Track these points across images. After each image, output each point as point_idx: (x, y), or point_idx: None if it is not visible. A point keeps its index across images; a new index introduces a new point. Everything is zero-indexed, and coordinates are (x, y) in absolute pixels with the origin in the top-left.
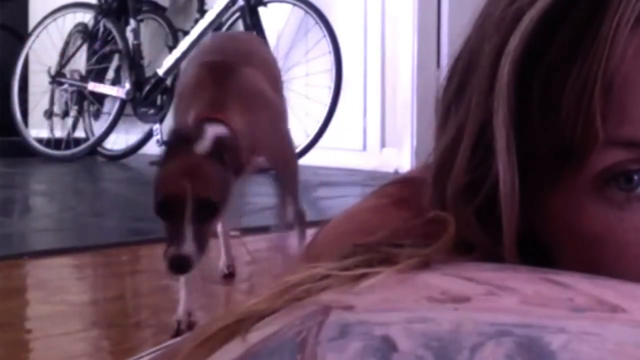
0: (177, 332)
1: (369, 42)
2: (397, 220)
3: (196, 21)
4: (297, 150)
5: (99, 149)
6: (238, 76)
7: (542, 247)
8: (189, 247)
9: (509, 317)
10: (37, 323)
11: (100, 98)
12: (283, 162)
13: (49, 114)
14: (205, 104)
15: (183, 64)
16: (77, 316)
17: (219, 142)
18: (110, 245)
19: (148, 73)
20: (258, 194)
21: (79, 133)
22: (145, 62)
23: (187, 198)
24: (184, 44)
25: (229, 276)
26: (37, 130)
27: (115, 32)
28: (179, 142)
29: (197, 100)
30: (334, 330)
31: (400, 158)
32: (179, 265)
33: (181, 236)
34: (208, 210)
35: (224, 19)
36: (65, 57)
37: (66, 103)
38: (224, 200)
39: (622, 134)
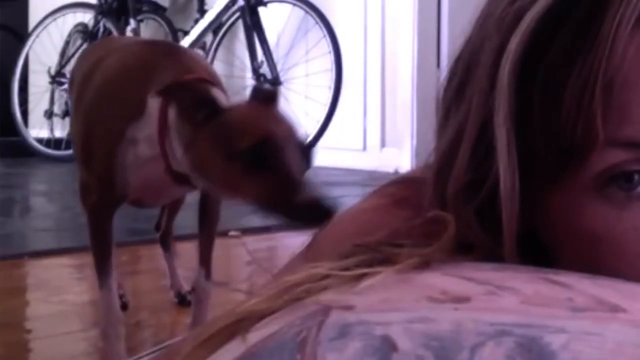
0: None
1: (369, 42)
2: (397, 220)
3: (196, 21)
4: None
5: None
6: (184, 51)
7: (542, 247)
8: (318, 191)
9: (509, 317)
10: (37, 323)
11: None
12: None
13: (49, 114)
14: (178, 71)
15: None
16: (77, 316)
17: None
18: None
19: None
20: None
21: None
22: None
23: (289, 140)
24: (184, 44)
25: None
26: (37, 130)
27: (115, 32)
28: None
29: (160, 71)
30: (334, 330)
31: (400, 158)
32: (324, 210)
33: (298, 181)
34: (309, 155)
35: (224, 19)
36: (65, 57)
37: (66, 103)
38: None
39: (623, 134)
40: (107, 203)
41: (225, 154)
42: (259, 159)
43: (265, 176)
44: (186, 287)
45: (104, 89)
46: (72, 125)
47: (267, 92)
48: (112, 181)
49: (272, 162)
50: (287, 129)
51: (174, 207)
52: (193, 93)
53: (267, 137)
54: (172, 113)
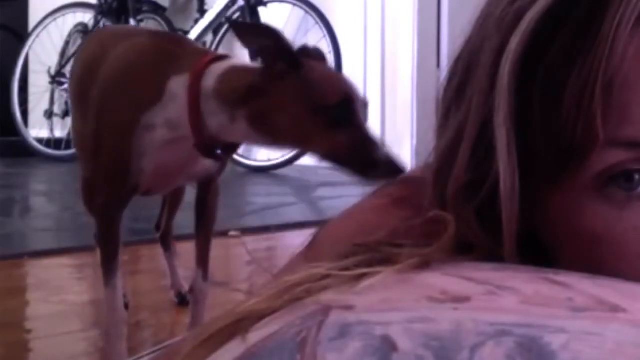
0: None
1: (369, 42)
2: (397, 220)
3: (196, 21)
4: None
5: None
6: (187, 39)
7: (542, 247)
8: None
9: (509, 317)
10: (37, 323)
11: None
12: None
13: (49, 114)
14: (194, 54)
15: None
16: (77, 316)
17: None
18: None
19: None
20: (258, 194)
21: None
22: None
23: (359, 100)
24: None
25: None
26: (37, 130)
27: None
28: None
29: (174, 56)
30: (334, 330)
31: (400, 158)
32: (398, 167)
33: (372, 139)
34: (366, 114)
35: (224, 19)
36: (65, 57)
37: (66, 103)
38: None
39: (623, 134)
40: (118, 198)
41: (310, 108)
42: (341, 116)
43: (347, 133)
44: (186, 287)
45: (114, 80)
46: (74, 122)
47: (316, 51)
48: (125, 172)
49: (353, 120)
50: (355, 88)
51: (173, 206)
52: (279, 41)
53: (349, 95)
54: (208, 83)
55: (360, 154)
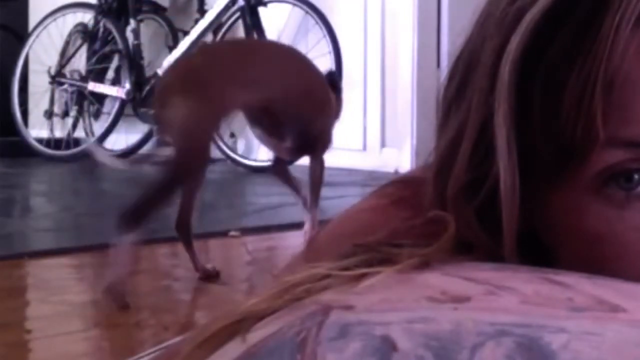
0: None
1: (369, 42)
2: (397, 220)
3: (196, 21)
4: None
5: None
6: None
7: (542, 247)
8: None
9: (509, 317)
10: (37, 323)
11: (100, 98)
12: None
13: (49, 114)
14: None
15: None
16: (77, 316)
17: None
18: (110, 245)
19: (148, 73)
20: (258, 194)
21: (79, 133)
22: (145, 62)
23: None
24: (184, 44)
25: None
26: (37, 130)
27: (115, 32)
28: None
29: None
30: (334, 330)
31: (400, 158)
32: None
33: None
34: None
35: (224, 19)
36: (65, 57)
37: (66, 103)
38: None
39: (623, 134)
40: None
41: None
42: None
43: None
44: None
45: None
46: None
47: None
48: None
49: None
50: None
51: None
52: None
53: None
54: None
55: None
